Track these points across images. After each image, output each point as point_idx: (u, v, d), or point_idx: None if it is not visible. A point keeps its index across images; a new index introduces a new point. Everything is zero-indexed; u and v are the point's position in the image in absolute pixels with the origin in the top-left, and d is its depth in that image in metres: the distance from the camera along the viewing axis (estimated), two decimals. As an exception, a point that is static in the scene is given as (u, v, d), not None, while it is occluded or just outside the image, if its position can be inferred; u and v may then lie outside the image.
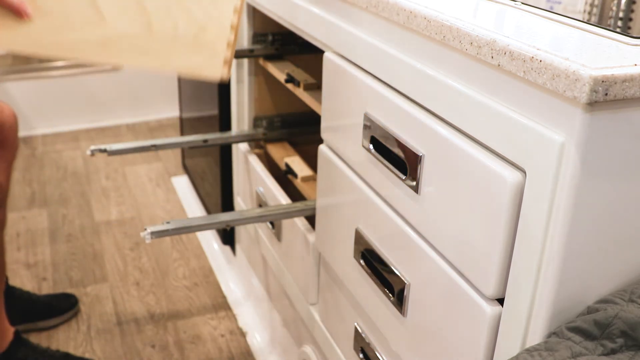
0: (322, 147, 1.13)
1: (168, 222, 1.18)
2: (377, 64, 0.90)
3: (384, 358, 1.00)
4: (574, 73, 0.57)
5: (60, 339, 1.67)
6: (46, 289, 1.85)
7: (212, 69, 0.96)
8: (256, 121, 1.60)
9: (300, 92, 1.35)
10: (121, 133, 2.92)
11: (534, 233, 0.65)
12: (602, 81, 0.56)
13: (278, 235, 1.42)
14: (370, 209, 0.96)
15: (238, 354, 1.63)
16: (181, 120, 2.38)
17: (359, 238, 1.00)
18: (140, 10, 0.96)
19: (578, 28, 0.71)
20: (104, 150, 1.39)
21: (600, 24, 0.77)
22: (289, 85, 1.39)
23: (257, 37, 1.51)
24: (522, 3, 0.81)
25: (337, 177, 1.06)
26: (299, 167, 1.44)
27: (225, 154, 1.78)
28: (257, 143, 1.63)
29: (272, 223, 1.45)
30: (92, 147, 1.38)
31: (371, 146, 0.92)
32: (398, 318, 0.91)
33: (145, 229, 1.14)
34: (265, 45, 1.51)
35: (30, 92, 2.84)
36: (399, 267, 0.89)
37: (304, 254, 1.27)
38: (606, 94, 0.56)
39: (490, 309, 0.72)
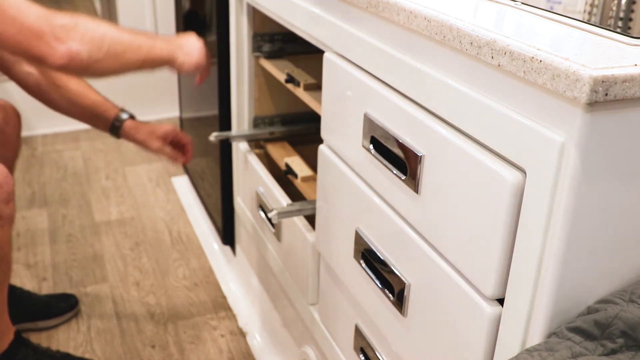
0: (322, 147, 1.13)
1: (292, 204, 1.29)
2: (377, 64, 0.90)
3: (384, 358, 1.00)
4: (574, 73, 0.57)
5: (60, 339, 1.67)
6: (46, 289, 1.85)
7: None
8: (256, 121, 1.60)
9: (300, 92, 1.35)
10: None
11: (534, 233, 0.65)
12: (602, 81, 0.56)
13: (278, 235, 1.42)
14: (370, 209, 0.96)
15: (238, 354, 1.63)
16: (181, 120, 2.38)
17: (359, 238, 1.00)
18: None
19: (578, 28, 0.71)
20: (227, 137, 1.56)
21: (600, 24, 0.77)
22: (289, 85, 1.39)
23: (257, 37, 1.51)
24: (522, 3, 0.81)
25: (337, 177, 1.06)
26: (299, 167, 1.44)
27: (225, 154, 1.78)
28: (257, 143, 1.63)
29: (272, 223, 1.45)
30: (215, 134, 1.54)
31: (371, 146, 0.92)
32: (398, 318, 0.91)
33: (272, 210, 1.27)
34: (265, 45, 1.51)
35: (30, 92, 2.83)
36: (399, 267, 0.89)
37: (304, 254, 1.27)
38: (606, 94, 0.56)
39: (490, 309, 0.72)
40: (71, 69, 1.16)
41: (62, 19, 1.14)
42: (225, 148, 1.77)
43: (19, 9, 1.09)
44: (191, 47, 1.31)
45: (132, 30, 1.26)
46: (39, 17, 1.11)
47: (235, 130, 1.67)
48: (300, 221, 1.29)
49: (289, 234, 1.35)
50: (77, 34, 1.14)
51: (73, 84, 1.52)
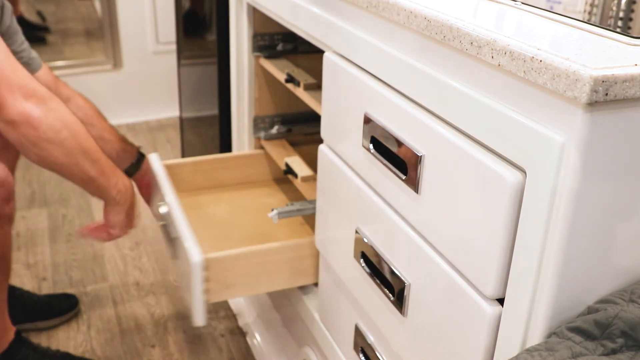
0: (322, 147, 1.13)
1: (292, 204, 1.29)
2: (377, 64, 0.90)
3: (384, 358, 1.00)
4: (575, 73, 0.57)
5: (60, 339, 1.67)
6: (46, 289, 1.85)
7: None
8: (256, 121, 1.60)
9: (300, 92, 1.35)
10: (121, 133, 2.92)
11: (534, 233, 0.65)
12: (603, 81, 0.56)
13: (278, 235, 1.42)
14: (370, 209, 0.96)
15: (238, 354, 1.63)
16: (181, 120, 2.38)
17: (359, 238, 1.00)
18: None
19: (578, 28, 0.71)
20: (288, 131, 1.56)
21: (600, 24, 0.77)
22: (289, 85, 1.38)
23: (257, 37, 1.51)
24: (522, 3, 0.81)
25: (337, 177, 1.06)
26: (299, 167, 1.44)
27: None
28: (257, 143, 1.63)
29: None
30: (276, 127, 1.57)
31: (371, 146, 0.92)
32: (398, 318, 0.91)
33: (273, 210, 1.28)
34: (265, 44, 1.51)
35: (30, 92, 2.83)
36: (399, 267, 0.89)
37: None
38: (606, 94, 0.56)
39: (490, 309, 0.72)
40: (20, 132, 1.13)
41: (40, 87, 1.14)
42: (225, 148, 1.77)
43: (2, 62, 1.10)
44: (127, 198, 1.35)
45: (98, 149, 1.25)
46: (17, 72, 1.11)
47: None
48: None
49: (289, 234, 1.35)
50: (46, 104, 1.13)
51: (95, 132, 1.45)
